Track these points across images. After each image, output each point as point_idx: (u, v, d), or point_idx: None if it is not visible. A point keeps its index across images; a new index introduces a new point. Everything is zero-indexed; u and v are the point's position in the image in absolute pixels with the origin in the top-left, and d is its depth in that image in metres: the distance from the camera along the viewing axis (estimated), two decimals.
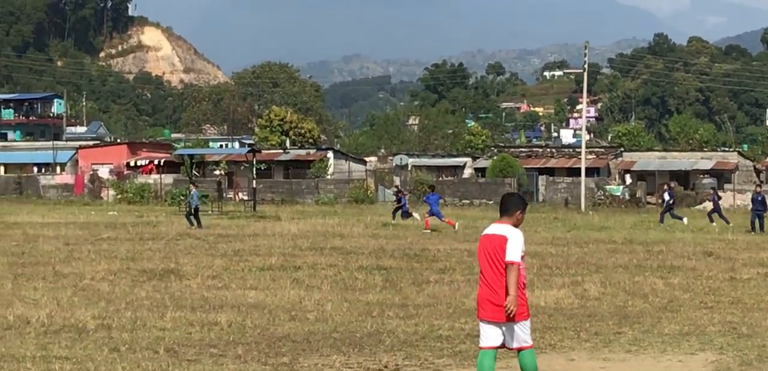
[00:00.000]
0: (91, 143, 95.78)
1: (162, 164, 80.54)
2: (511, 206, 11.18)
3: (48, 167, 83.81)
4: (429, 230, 41.29)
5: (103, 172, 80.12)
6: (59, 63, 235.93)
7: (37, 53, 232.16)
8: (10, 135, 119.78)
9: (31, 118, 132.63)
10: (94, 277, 23.74)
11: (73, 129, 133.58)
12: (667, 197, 52.12)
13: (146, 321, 17.44)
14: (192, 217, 44.23)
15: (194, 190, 46.06)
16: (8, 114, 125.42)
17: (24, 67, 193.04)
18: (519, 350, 11.11)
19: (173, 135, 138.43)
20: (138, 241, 35.22)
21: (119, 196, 73.97)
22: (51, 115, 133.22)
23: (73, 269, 25.67)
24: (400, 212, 49.73)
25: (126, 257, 28.66)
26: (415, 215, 50.26)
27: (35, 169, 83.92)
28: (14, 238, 36.28)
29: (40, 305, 19.00)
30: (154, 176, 78.41)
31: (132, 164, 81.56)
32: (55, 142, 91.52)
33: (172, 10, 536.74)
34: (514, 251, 10.83)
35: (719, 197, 53.69)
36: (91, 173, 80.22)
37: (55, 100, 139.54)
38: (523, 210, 11.24)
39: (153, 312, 18.41)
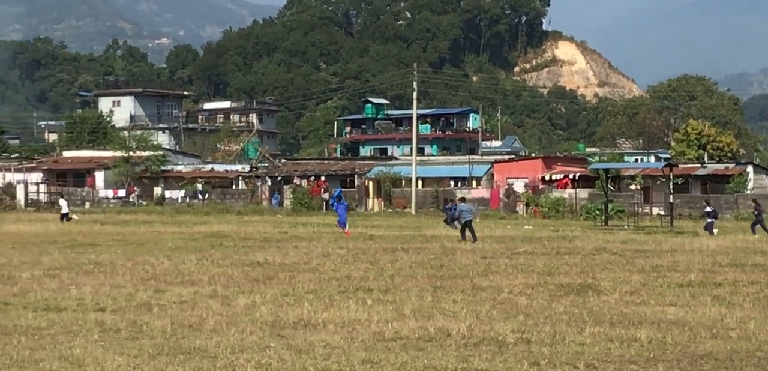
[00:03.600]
0: (506, 157, 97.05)
1: (577, 178, 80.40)
2: None
3: (464, 181, 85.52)
4: None
5: (518, 186, 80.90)
6: (474, 78, 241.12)
7: (453, 69, 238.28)
8: (427, 150, 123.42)
9: (447, 133, 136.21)
10: (511, 291, 23.78)
11: (487, 143, 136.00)
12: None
13: (565, 335, 17.25)
14: (458, 229, 44.32)
15: (462, 205, 45.45)
16: (425, 129, 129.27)
17: (440, 82, 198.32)
18: None
19: (587, 149, 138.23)
20: (554, 255, 35.13)
21: (533, 209, 74.52)
22: (467, 129, 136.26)
23: (491, 282, 25.82)
24: None
25: (543, 272, 28.60)
26: None
27: (452, 183, 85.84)
28: (432, 251, 37.03)
29: (459, 317, 19.16)
30: (569, 191, 78.40)
31: (547, 178, 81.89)
32: (470, 156, 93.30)
33: (586, 24, 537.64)
34: None
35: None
36: (507, 187, 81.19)
37: (471, 114, 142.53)
38: None
39: (571, 327, 18.20)
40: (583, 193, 77.10)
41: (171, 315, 19.26)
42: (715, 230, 50.41)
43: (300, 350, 15.61)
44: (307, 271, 28.42)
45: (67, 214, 60.89)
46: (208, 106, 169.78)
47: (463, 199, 50.11)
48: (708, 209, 53.46)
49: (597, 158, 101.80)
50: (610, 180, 69.59)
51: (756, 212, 51.36)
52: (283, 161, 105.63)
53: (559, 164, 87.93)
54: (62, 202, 64.60)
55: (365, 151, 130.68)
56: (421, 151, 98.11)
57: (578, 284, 25.29)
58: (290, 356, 15.06)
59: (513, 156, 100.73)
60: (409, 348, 15.99)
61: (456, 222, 50.09)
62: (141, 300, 21.76)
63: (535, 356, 15.37)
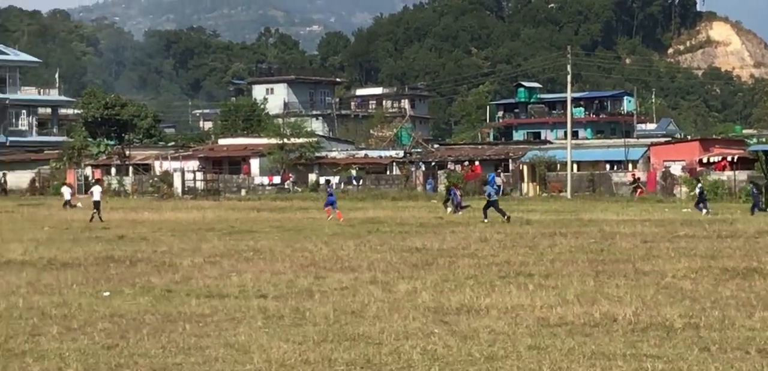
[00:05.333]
0: (662, 140, 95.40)
1: (735, 160, 78.71)
2: None
3: (620, 164, 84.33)
4: None
5: (675, 169, 79.52)
6: (627, 60, 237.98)
7: (605, 51, 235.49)
8: (581, 133, 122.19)
9: (600, 116, 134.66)
10: (675, 275, 23.27)
11: (642, 126, 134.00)
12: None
13: (734, 320, 16.87)
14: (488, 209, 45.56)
15: (486, 187, 46.09)
16: (579, 112, 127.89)
17: (592, 65, 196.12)
18: None
19: (744, 131, 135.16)
20: (715, 239, 34.38)
21: (692, 194, 73.14)
22: (621, 112, 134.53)
23: (654, 266, 25.34)
24: None
25: (706, 255, 27.97)
26: None
27: (607, 166, 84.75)
28: (591, 235, 36.58)
29: (624, 302, 18.82)
30: (728, 173, 76.74)
31: (704, 160, 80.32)
32: (626, 139, 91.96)
33: (741, 4, 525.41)
34: None
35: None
36: (663, 170, 79.88)
37: (625, 97, 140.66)
38: None
39: (740, 312, 17.79)
40: (742, 175, 75.34)
41: (333, 302, 19.28)
42: None
43: (464, 336, 15.46)
44: (466, 256, 28.26)
45: (69, 201, 62.29)
46: (360, 92, 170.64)
47: (484, 182, 55.79)
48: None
49: (755, 140, 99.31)
50: None
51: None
52: (436, 146, 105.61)
53: (716, 146, 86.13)
54: (65, 189, 65.91)
55: (518, 135, 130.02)
56: (574, 134, 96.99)
57: (743, 267, 24.70)
58: (455, 342, 14.92)
59: (669, 139, 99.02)
60: (574, 334, 15.74)
61: (449, 205, 53.98)
62: (302, 286, 21.84)
63: (705, 341, 15.04)
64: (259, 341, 15.15)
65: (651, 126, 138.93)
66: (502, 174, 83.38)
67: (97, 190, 51.59)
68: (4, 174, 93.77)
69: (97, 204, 49.70)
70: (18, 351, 14.67)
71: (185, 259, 27.92)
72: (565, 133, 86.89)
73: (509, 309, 18.27)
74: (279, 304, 19.07)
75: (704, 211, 52.40)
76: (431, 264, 26.27)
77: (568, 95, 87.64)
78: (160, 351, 14.63)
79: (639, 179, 78.41)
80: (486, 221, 45.01)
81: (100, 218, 48.43)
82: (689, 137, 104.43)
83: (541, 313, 17.76)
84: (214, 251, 30.71)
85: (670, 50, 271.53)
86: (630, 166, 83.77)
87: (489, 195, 47.77)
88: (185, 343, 15.16)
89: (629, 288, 21.06)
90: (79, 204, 63.31)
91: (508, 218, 45.21)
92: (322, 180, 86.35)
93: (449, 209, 54.17)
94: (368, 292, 20.65)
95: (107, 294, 20.88)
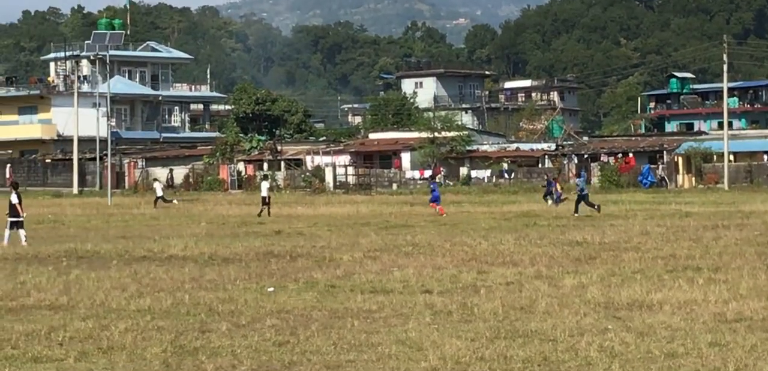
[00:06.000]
0: None
1: None
2: None
3: None
4: None
5: None
6: None
7: (758, 40, 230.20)
8: (736, 124, 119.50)
9: (756, 106, 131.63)
10: None
11: None
12: None
13: None
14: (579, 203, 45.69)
15: (578, 179, 45.14)
16: (733, 102, 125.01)
17: (745, 54, 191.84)
18: None
19: None
20: None
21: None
22: None
23: None
24: None
25: None
26: None
27: (766, 157, 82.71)
28: (755, 228, 35.68)
29: None
30: None
31: None
32: None
33: None
34: None
35: None
36: None
37: None
38: None
39: None
40: None
41: (500, 297, 18.96)
42: None
43: (641, 332, 15.04)
44: (630, 250, 27.69)
45: (161, 196, 60.30)
46: (508, 85, 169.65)
47: (578, 174, 57.03)
48: None
49: None
50: None
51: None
52: (585, 138, 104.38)
53: None
54: (156, 185, 64.97)
55: (671, 126, 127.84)
56: (729, 125, 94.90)
57: None
58: (632, 339, 14.52)
59: None
60: (755, 330, 15.20)
61: (550, 198, 54.37)
62: (466, 281, 21.58)
63: None
64: (431, 337, 14.93)
65: None
66: (660, 166, 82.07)
67: (265, 186, 51.82)
68: (171, 170, 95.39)
69: (265, 200, 49.98)
70: (190, 348, 14.67)
71: (344, 254, 27.87)
72: (719, 123, 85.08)
73: (682, 304, 17.75)
74: (445, 300, 18.85)
75: None
76: (595, 259, 25.78)
77: (724, 84, 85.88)
78: (331, 347, 14.51)
79: None
80: (577, 214, 44.93)
81: (269, 213, 48.70)
82: None
83: (716, 308, 17.23)
84: (373, 245, 30.61)
85: None
86: None
87: (581, 189, 47.86)
88: (356, 340, 15.01)
89: None
90: (175, 201, 63.69)
91: (599, 208, 45.56)
92: (473, 174, 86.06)
93: (550, 202, 53.75)
94: (534, 287, 20.31)
95: (272, 289, 20.90)
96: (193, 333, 15.85)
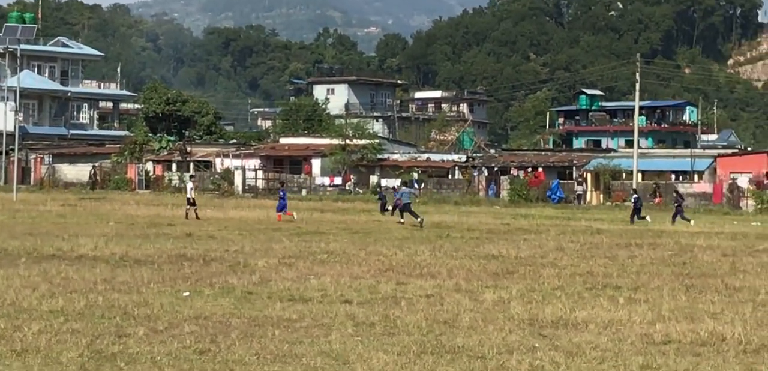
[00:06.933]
0: (729, 151, 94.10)
1: None
2: None
3: (685, 174, 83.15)
4: None
5: (742, 181, 78.26)
6: (686, 70, 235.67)
7: (665, 61, 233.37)
8: (643, 142, 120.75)
9: (662, 125, 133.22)
10: None
11: (705, 137, 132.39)
12: None
13: None
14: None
15: (403, 188, 48.18)
16: (640, 121, 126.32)
17: (651, 74, 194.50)
18: None
19: None
20: None
21: (759, 206, 71.98)
22: (682, 122, 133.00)
23: (743, 282, 24.57)
24: None
25: None
26: None
27: (672, 176, 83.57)
28: (668, 247, 35.84)
29: (724, 320, 18.06)
30: None
31: None
32: (692, 150, 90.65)
33: None
34: None
35: None
36: (730, 182, 78.64)
37: (687, 107, 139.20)
38: None
39: None
40: None
41: (422, 310, 18.65)
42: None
43: (569, 352, 14.79)
44: (547, 266, 27.58)
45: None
46: (419, 95, 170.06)
47: (404, 183, 61.38)
48: None
49: None
50: None
51: None
52: (493, 151, 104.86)
53: None
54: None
55: (579, 143, 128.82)
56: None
57: None
58: (562, 358, 14.27)
59: (735, 150, 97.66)
60: (684, 353, 15.05)
61: (389, 207, 54.95)
62: (385, 292, 21.25)
63: None
64: (356, 350, 14.56)
65: (712, 137, 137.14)
66: (581, 180, 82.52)
67: (190, 186, 50.71)
68: (94, 167, 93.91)
69: (189, 200, 48.88)
70: (107, 353, 14.14)
71: (259, 260, 27.42)
72: (627, 141, 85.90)
73: (607, 323, 17.58)
74: (366, 311, 18.51)
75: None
76: (513, 273, 25.60)
77: (636, 103, 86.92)
78: (254, 357, 14.07)
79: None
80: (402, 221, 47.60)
81: (197, 215, 47.63)
82: (750, 150, 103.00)
83: (641, 329, 17.09)
84: (287, 252, 30.22)
85: (730, 61, 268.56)
86: (696, 177, 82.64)
87: (398, 196, 50.70)
88: (278, 350, 14.58)
89: (724, 305, 20.36)
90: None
91: (422, 222, 45.71)
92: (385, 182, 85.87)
93: (388, 213, 54.60)
94: (455, 300, 20.05)
95: (187, 294, 20.42)
96: (110, 337, 15.32)
